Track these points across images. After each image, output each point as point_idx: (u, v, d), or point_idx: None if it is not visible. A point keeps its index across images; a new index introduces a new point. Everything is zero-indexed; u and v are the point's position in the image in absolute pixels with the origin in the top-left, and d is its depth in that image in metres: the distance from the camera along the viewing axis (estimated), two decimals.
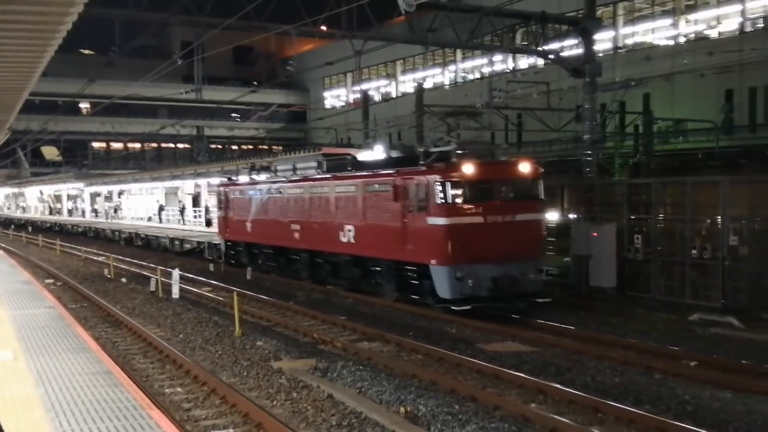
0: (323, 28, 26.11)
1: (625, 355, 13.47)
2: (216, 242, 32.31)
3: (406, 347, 14.83)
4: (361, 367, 12.90)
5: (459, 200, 17.35)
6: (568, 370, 12.83)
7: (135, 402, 9.31)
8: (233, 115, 76.65)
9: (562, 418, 9.99)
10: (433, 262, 17.47)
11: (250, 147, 74.60)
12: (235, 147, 73.24)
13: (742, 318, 16.54)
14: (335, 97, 71.74)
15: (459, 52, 53.89)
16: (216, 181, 46.67)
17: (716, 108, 34.91)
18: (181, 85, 71.15)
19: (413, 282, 18.80)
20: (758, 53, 34.03)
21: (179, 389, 12.03)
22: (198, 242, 35.27)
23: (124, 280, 27.12)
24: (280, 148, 63.29)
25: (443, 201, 17.27)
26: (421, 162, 18.86)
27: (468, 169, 17.33)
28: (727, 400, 10.99)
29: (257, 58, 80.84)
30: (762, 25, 36.54)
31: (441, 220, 17.32)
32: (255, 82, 68.49)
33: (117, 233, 48.73)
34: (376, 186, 20.00)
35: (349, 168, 22.59)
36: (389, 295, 20.14)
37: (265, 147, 69.53)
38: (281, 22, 26.12)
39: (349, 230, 21.11)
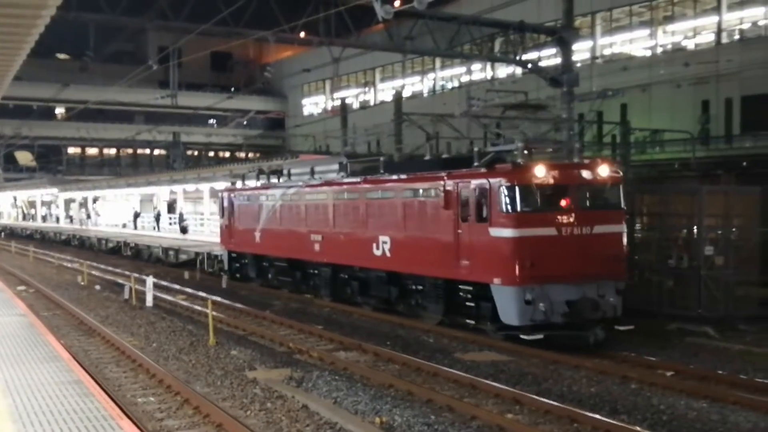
0: (301, 34, 25.99)
1: (601, 364, 13.53)
2: (217, 253, 29.63)
3: (383, 357, 14.78)
4: (337, 377, 12.85)
5: (529, 208, 14.89)
6: (544, 380, 12.86)
7: (105, 412, 9.20)
8: (210, 121, 76.30)
9: (538, 429, 10.01)
10: (496, 281, 14.95)
11: (227, 154, 74.36)
12: (212, 153, 72.94)
13: (718, 327, 16.69)
14: (314, 105, 71.69)
15: (438, 61, 54.13)
16: (192, 188, 46.57)
17: (693, 118, 35.36)
18: (157, 91, 70.58)
19: (467, 304, 16.30)
20: (734, 64, 34.60)
21: (152, 399, 11.90)
22: (196, 253, 32.19)
23: (98, 287, 26.82)
24: (258, 155, 63.11)
25: (510, 209, 14.80)
26: (477, 163, 16.44)
27: (540, 171, 14.88)
28: (702, 409, 11.06)
29: (235, 64, 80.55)
30: (738, 37, 37.16)
31: (507, 232, 14.79)
32: (233, 89, 68.28)
33: (103, 242, 45.95)
34: (421, 191, 17.47)
35: (382, 171, 19.95)
36: (430, 319, 17.81)
37: (243, 154, 69.30)
38: (259, 28, 26.03)
39: (384, 242, 18.61)
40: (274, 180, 25.96)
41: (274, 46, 48.33)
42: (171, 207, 52.87)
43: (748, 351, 14.58)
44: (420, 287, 17.97)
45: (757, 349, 14.90)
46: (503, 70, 46.83)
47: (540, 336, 14.38)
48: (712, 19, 38.11)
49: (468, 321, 16.47)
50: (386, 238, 18.62)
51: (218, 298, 22.33)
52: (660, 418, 10.62)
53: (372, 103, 61.95)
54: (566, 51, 25.47)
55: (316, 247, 21.83)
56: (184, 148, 70.42)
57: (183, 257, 33.73)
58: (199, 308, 20.96)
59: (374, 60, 55.70)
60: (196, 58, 49.79)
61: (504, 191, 14.91)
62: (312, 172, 23.27)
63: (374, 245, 18.99)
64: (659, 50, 40.31)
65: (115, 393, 11.85)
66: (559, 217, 14.99)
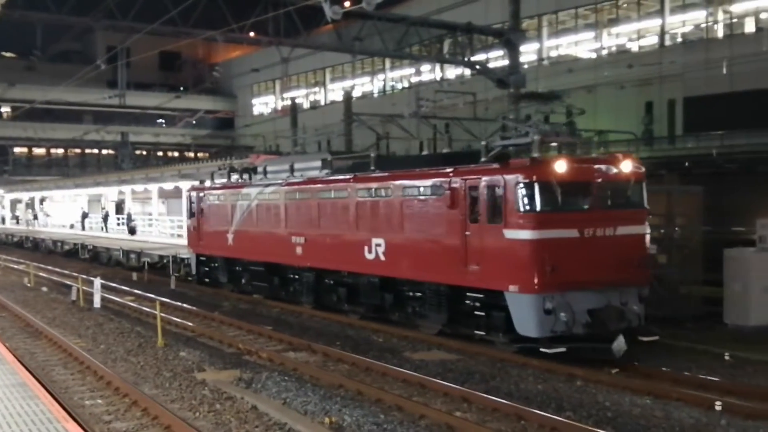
0: (250, 34, 25.78)
1: (548, 362, 13.64)
2: (184, 256, 27.74)
3: (332, 357, 14.73)
4: (286, 378, 12.76)
5: (549, 208, 13.40)
6: (492, 378, 12.95)
7: (51, 415, 9.09)
8: (159, 121, 75.15)
9: (486, 426, 10.07)
10: (511, 288, 13.50)
11: (176, 154, 73.36)
12: (160, 153, 71.89)
13: (662, 326, 17.02)
14: (263, 104, 71.17)
15: (387, 62, 54.25)
16: (141, 188, 45.79)
17: (637, 119, 36.11)
18: (105, 90, 69.37)
19: (476, 314, 14.82)
20: (676, 66, 35.45)
21: (100, 401, 11.72)
22: (160, 256, 30.33)
23: (44, 289, 26.27)
24: (207, 155, 62.41)
25: (529, 208, 13.35)
26: (484, 158, 15.10)
27: (560, 167, 13.40)
28: (646, 406, 11.20)
29: (184, 63, 79.50)
30: (680, 40, 38.09)
31: (525, 234, 13.34)
32: (181, 88, 67.38)
33: (59, 244, 43.57)
34: (422, 189, 15.87)
35: (373, 168, 18.15)
36: (429, 328, 16.35)
37: (192, 154, 68.47)
38: (208, 28, 25.74)
39: (378, 245, 16.99)
40: (249, 178, 24.25)
41: (223, 45, 47.91)
42: (119, 207, 51.97)
43: (692, 348, 14.87)
44: (419, 294, 16.38)
45: (700, 346, 14.94)
46: (452, 71, 47.15)
47: (562, 349, 12.97)
48: (655, 22, 38.99)
49: (477, 332, 14.87)
50: (380, 241, 16.99)
51: (167, 300, 21.97)
52: (605, 414, 10.75)
53: (322, 103, 61.81)
54: (513, 53, 25.83)
55: (298, 250, 20.13)
56: (132, 148, 69.37)
57: (146, 260, 31.48)
58: (147, 309, 20.62)
59: (324, 60, 55.54)
60: (145, 57, 49.07)
61: (521, 189, 13.41)
62: (291, 170, 21.43)
63: (366, 248, 17.37)
64: (604, 52, 41.08)
65: (62, 395, 11.61)
66: (581, 217, 13.66)
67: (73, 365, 14.29)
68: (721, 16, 36.21)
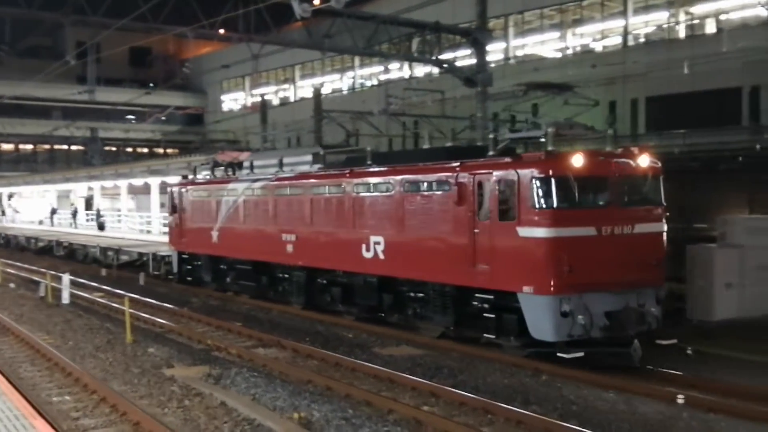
0: (221, 31, 25.50)
1: (514, 358, 13.65)
2: (164, 254, 26.62)
3: (302, 353, 14.63)
4: (255, 374, 12.66)
5: (566, 204, 12.57)
6: (460, 373, 12.95)
7: (18, 411, 8.95)
8: (129, 117, 74.15)
9: (453, 420, 10.05)
10: (525, 289, 12.62)
11: (146, 150, 72.50)
12: (130, 149, 70.99)
13: None
14: (233, 101, 70.61)
15: (357, 59, 54.06)
16: (110, 184, 45.16)
17: (600, 118, 36.40)
18: (75, 86, 68.25)
19: (486, 316, 13.83)
20: (639, 66, 35.83)
21: (68, 398, 11.54)
22: (139, 254, 29.07)
23: (12, 285, 25.78)
24: (176, 151, 61.77)
25: (545, 205, 12.49)
26: (492, 152, 14.35)
27: (578, 161, 12.58)
28: (611, 400, 11.27)
29: (154, 59, 78.50)
30: (643, 40, 38.54)
31: (541, 232, 12.47)
32: (151, 84, 66.54)
33: (32, 241, 41.94)
34: (426, 185, 14.91)
35: (369, 162, 17.06)
36: (431, 331, 15.48)
37: (161, 150, 67.74)
38: (178, 24, 25.46)
39: (377, 243, 15.99)
40: (233, 173, 23.14)
41: (194, 42, 47.27)
42: (88, 203, 51.24)
43: (657, 344, 14.94)
44: (420, 295, 15.42)
45: (663, 341, 14.37)
46: (421, 69, 47.14)
47: (580, 354, 12.22)
48: (618, 23, 39.37)
49: (485, 336, 13.86)
50: (379, 239, 15.94)
51: (136, 296, 21.65)
52: (570, 408, 10.80)
53: (292, 99, 61.44)
54: (480, 51, 25.88)
55: (289, 248, 18.99)
56: (102, 144, 68.35)
57: (124, 258, 30.12)
58: (116, 306, 20.27)
59: (294, 57, 55.23)
60: (115, 53, 48.31)
61: (537, 184, 12.54)
62: (281, 164, 20.44)
63: (364, 247, 16.32)
64: (569, 52, 41.40)
65: (29, 392, 11.40)
66: (598, 214, 12.81)
67: (40, 362, 14.04)
68: (682, 17, 36.70)
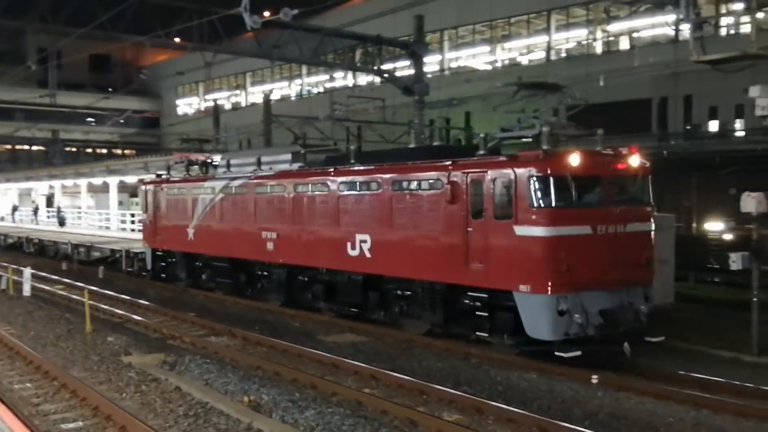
0: (176, 40, 25.02)
1: (447, 343, 13.80)
2: (138, 251, 25.04)
3: (252, 341, 14.48)
4: (208, 361, 12.48)
5: (563, 203, 11.87)
6: (398, 357, 13.03)
7: None
8: (89, 119, 72.13)
9: (391, 401, 10.11)
10: (522, 288, 11.86)
11: (105, 151, 70.72)
12: (90, 150, 69.10)
13: None
14: (188, 105, 69.47)
15: (304, 68, 53.69)
16: (70, 182, 43.81)
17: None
18: (36, 90, 66.04)
19: (478, 314, 12.95)
20: (560, 79, 36.42)
21: (29, 385, 11.24)
22: (112, 250, 27.30)
23: None
24: (134, 152, 60.43)
25: (543, 204, 11.74)
26: (482, 151, 13.42)
27: (575, 160, 11.89)
28: (532, 380, 11.49)
29: (113, 66, 76.48)
30: (564, 55, 39.35)
31: (539, 231, 11.74)
32: (111, 89, 64.92)
33: (1, 237, 39.29)
34: (415, 183, 13.99)
35: (353, 161, 16.16)
36: (416, 328, 14.60)
37: (119, 151, 66.18)
38: (137, 33, 24.90)
39: (363, 242, 15.01)
40: (206, 171, 22.17)
41: (151, 49, 46.25)
42: (49, 201, 49.69)
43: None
44: (408, 293, 14.53)
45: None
46: (363, 79, 47.12)
47: (577, 353, 11.45)
48: (542, 39, 40.10)
49: (478, 334, 13.06)
50: (365, 237, 14.97)
51: (95, 288, 21.08)
52: (497, 388, 10.97)
53: (243, 104, 60.72)
54: (418, 63, 25.99)
55: (269, 246, 17.83)
56: (62, 145, 66.44)
57: (96, 254, 28.30)
58: (76, 297, 19.70)
59: (245, 65, 54.50)
60: (75, 59, 46.91)
61: (535, 183, 11.79)
62: (259, 163, 19.15)
63: (349, 245, 15.34)
64: (498, 65, 41.99)
65: None
66: (594, 213, 12.16)
67: (2, 351, 13.59)
68: (599, 34, 37.63)
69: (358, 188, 15.42)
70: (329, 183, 16.13)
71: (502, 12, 40.69)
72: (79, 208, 45.07)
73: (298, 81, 55.81)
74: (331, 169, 16.22)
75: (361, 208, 15.27)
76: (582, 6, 36.90)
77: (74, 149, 70.90)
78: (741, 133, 30.68)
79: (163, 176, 23.83)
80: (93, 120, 72.29)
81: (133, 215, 37.39)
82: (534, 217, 11.84)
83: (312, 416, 9.28)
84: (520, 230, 11.99)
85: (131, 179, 38.21)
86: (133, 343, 13.98)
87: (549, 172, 11.83)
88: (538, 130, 12.69)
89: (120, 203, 41.91)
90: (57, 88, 62.12)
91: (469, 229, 12.81)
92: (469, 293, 13.05)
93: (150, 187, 23.74)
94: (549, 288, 11.62)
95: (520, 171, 12.06)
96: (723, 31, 30.14)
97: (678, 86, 32.12)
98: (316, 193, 16.53)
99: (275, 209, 17.80)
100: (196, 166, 23.03)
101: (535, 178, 11.85)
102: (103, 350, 13.37)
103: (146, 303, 19.08)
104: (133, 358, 12.71)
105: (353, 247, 15.29)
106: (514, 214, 12.08)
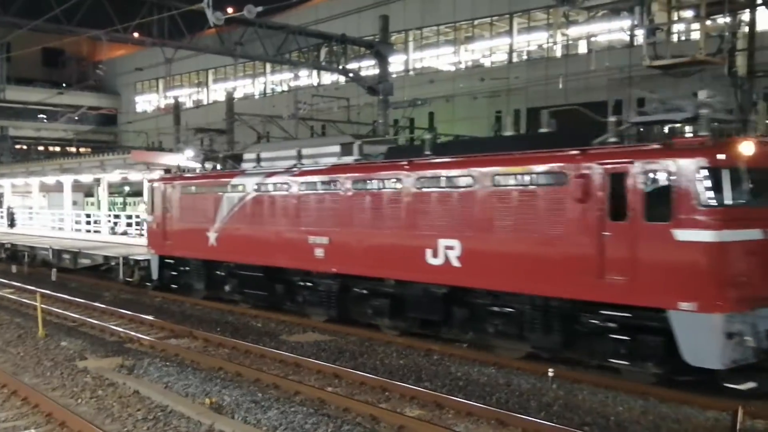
0: (135, 34, 24.64)
1: (409, 340, 14.03)
2: (138, 258, 22.17)
3: (213, 342, 14.43)
4: (168, 363, 12.39)
5: (738, 202, 10.00)
6: (360, 355, 13.17)
7: None
8: (40, 116, 70.50)
9: (354, 399, 10.25)
10: (683, 306, 9.84)
11: (58, 149, 69.19)
12: (41, 148, 67.52)
13: None
14: (147, 102, 68.39)
15: (268, 66, 53.49)
16: (21, 182, 42.79)
17: (488, 126, 37.59)
18: None
19: (612, 337, 10.89)
20: (521, 81, 37.23)
21: None
22: (105, 257, 23.87)
23: None
24: (89, 150, 59.30)
25: (715, 203, 9.79)
26: (614, 138, 11.41)
27: (749, 148, 10.03)
28: (492, 375, 11.79)
29: (67, 60, 74.91)
30: (525, 57, 40.04)
31: (708, 235, 9.75)
32: (64, 84, 63.52)
33: None
34: (527, 178, 11.79)
35: (428, 152, 13.92)
36: (512, 352, 12.56)
37: (74, 149, 64.89)
38: (92, 27, 24.39)
39: (449, 248, 12.85)
40: (246, 166, 18.74)
41: (108, 44, 45.44)
42: None
43: None
44: (509, 310, 12.37)
45: None
46: (328, 78, 47.16)
47: (753, 384, 9.73)
48: (505, 41, 40.73)
49: (613, 361, 10.94)
50: (452, 243, 12.79)
51: (48, 291, 20.66)
52: (457, 383, 11.24)
53: (205, 102, 60.13)
54: (383, 63, 26.23)
55: (318, 252, 15.50)
56: (12, 143, 64.70)
57: (85, 262, 24.80)
58: (27, 301, 19.26)
59: (207, 62, 54.04)
60: (27, 53, 45.80)
61: (705, 176, 9.78)
62: (299, 156, 16.92)
63: (428, 252, 13.16)
64: (461, 66, 42.49)
65: None
66: (763, 213, 10.27)
67: None
68: (559, 38, 38.37)
69: (443, 184, 13.08)
70: (403, 178, 13.70)
71: (466, 14, 41.23)
72: (30, 208, 44.09)
73: (261, 79, 55.54)
74: (405, 162, 13.81)
75: (446, 209, 12.97)
76: (543, 10, 37.63)
77: (24, 147, 69.25)
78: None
79: (174, 172, 21.43)
80: (45, 116, 70.72)
81: (88, 215, 36.84)
82: (702, 218, 9.78)
83: (275, 416, 9.35)
84: (682, 234, 9.94)
85: (86, 178, 37.55)
86: (89, 347, 13.74)
87: (722, 162, 9.85)
88: (692, 113, 10.59)
89: (74, 203, 41.14)
90: (6, 82, 60.79)
91: (606, 233, 10.72)
92: (601, 311, 10.95)
93: (158, 184, 20.93)
94: (720, 306, 9.66)
95: (683, 162, 9.94)
96: (674, 38, 31.07)
97: (632, 90, 32.98)
98: (384, 190, 14.09)
99: (327, 210, 15.33)
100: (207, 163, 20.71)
101: (705, 171, 9.78)
102: (57, 355, 13.09)
103: (102, 306, 18.78)
104: (89, 362, 12.48)
105: (435, 255, 13.07)
106: (673, 215, 10.02)
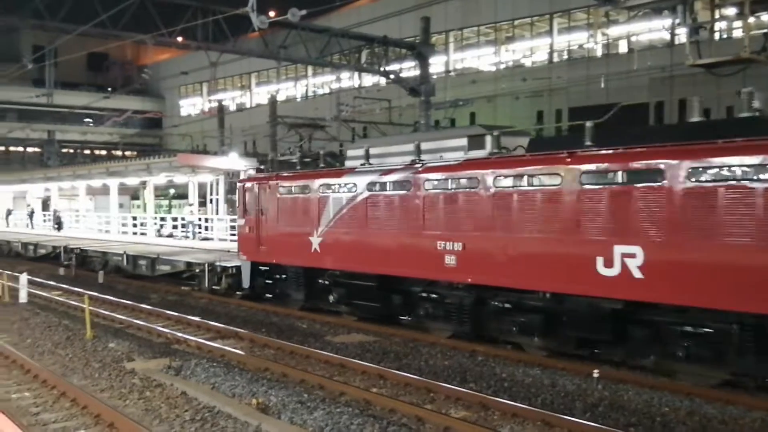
0: (179, 39, 25.06)
1: (454, 341, 13.96)
2: (227, 265, 20.75)
3: (258, 343, 14.55)
4: (214, 364, 12.49)
5: None
6: (405, 356, 13.14)
7: None
8: (86, 120, 72.24)
9: (399, 400, 10.24)
10: None
11: (104, 152, 70.83)
12: (88, 151, 69.19)
13: None
14: (191, 105, 69.57)
15: (310, 69, 54.00)
16: (67, 185, 43.79)
17: (530, 126, 37.31)
18: (31, 89, 66.07)
19: None
20: (562, 80, 36.86)
21: (27, 394, 11.06)
22: (188, 263, 22.44)
23: None
24: (135, 153, 60.55)
25: None
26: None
27: None
28: (536, 376, 11.69)
29: (112, 64, 76.68)
30: (566, 57, 39.63)
31: None
32: (109, 88, 64.97)
33: (31, 247, 32.82)
34: (749, 171, 9.78)
35: (589, 142, 12.00)
36: (699, 377, 10.70)
37: (120, 152, 66.33)
38: (138, 31, 24.87)
39: (628, 256, 10.95)
40: (351, 163, 16.95)
41: (152, 48, 46.40)
42: (45, 204, 49.56)
43: None
44: (706, 330, 10.56)
45: None
46: (369, 79, 47.36)
47: None
48: (545, 41, 40.39)
49: None
50: (633, 250, 10.91)
51: (95, 293, 21.04)
52: (502, 384, 11.17)
53: (248, 105, 60.91)
54: (424, 64, 26.23)
55: (449, 260, 13.66)
56: (59, 146, 66.37)
57: (164, 269, 23.34)
58: (75, 303, 19.62)
59: (250, 65, 54.86)
60: (73, 57, 47.00)
61: None
62: (418, 151, 15.03)
63: (599, 261, 11.25)
64: (502, 66, 42.23)
65: None
66: None
67: None
68: (600, 37, 37.90)
69: (620, 180, 11.17)
70: (562, 174, 11.81)
71: (506, 14, 41.04)
72: (77, 211, 45.10)
73: (303, 81, 56.08)
74: (564, 154, 11.94)
75: (625, 210, 11.07)
76: (583, 9, 37.21)
77: (71, 150, 71.08)
78: None
79: (266, 171, 19.96)
80: (90, 120, 72.39)
81: (134, 218, 37.57)
82: None
83: (321, 416, 9.39)
84: None
85: (132, 181, 38.29)
86: (136, 349, 13.90)
87: None
88: None
89: (120, 206, 42.04)
90: (54, 87, 62.46)
91: None
92: None
93: (252, 185, 19.40)
94: None
95: None
96: (716, 36, 30.45)
97: (673, 89, 32.40)
98: (539, 188, 12.19)
99: (461, 212, 13.51)
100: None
101: None
102: (105, 357, 13.25)
103: (149, 307, 19.08)
104: (136, 364, 12.61)
105: (608, 264, 11.21)
106: None
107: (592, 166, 11.52)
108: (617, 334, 11.51)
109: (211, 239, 30.66)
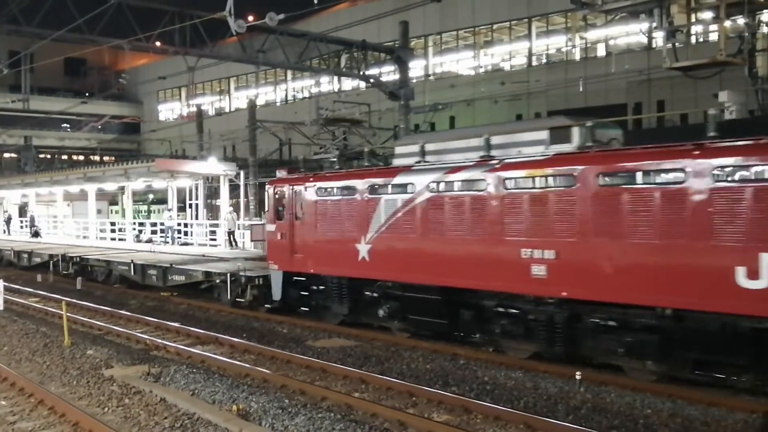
0: (157, 44, 24.87)
1: (435, 345, 13.95)
2: (251, 275, 18.73)
3: (239, 348, 14.44)
4: (194, 371, 12.35)
5: None
6: (386, 360, 13.12)
7: None
8: (64, 125, 71.49)
9: (381, 404, 10.22)
10: None
11: (81, 157, 70.12)
12: (65, 157, 68.43)
13: None
14: (169, 110, 69.14)
15: (289, 73, 53.91)
16: (45, 191, 43.24)
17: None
18: (7, 95, 65.29)
19: None
20: (541, 84, 37.13)
21: (3, 402, 10.92)
22: (205, 273, 20.46)
23: None
24: (113, 158, 59.98)
25: None
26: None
27: None
28: (519, 379, 11.72)
29: (89, 70, 76.01)
30: (545, 61, 39.94)
31: None
32: (87, 94, 64.37)
33: (25, 256, 30.76)
34: None
35: (712, 133, 10.59)
36: None
37: (97, 157, 65.68)
38: (115, 37, 24.64)
39: None
40: (400, 162, 15.10)
41: (129, 53, 46.01)
42: (22, 210, 48.88)
43: None
44: None
45: None
46: (348, 83, 47.33)
47: None
48: (524, 45, 40.67)
49: None
50: None
51: (73, 300, 20.80)
52: (484, 387, 11.18)
53: (227, 110, 60.67)
54: (403, 68, 26.27)
55: (537, 271, 11.81)
56: (36, 152, 65.60)
57: (179, 279, 21.37)
58: (52, 310, 19.39)
59: (229, 70, 54.52)
60: (49, 63, 46.45)
61: None
62: (488, 147, 13.17)
63: (740, 271, 9.52)
64: (481, 70, 42.45)
65: None
66: None
67: None
68: (578, 41, 38.25)
69: (767, 176, 9.46)
70: (688, 170, 10.08)
71: (485, 18, 41.26)
72: (55, 217, 44.57)
73: (283, 86, 55.98)
74: (690, 146, 10.23)
75: None
76: (561, 14, 37.54)
77: (48, 156, 70.29)
78: None
79: (300, 171, 18.49)
80: (68, 126, 71.69)
81: (113, 224, 37.19)
82: None
83: (302, 422, 9.31)
84: None
85: (110, 186, 37.90)
86: (115, 356, 13.73)
87: None
88: None
89: (99, 211, 41.59)
90: (30, 92, 61.68)
91: None
92: None
93: (284, 186, 17.48)
94: None
95: None
96: (693, 39, 30.90)
97: (651, 92, 32.80)
98: (656, 186, 10.45)
99: (552, 214, 11.68)
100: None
101: None
102: (83, 364, 13.08)
103: (128, 313, 18.85)
104: (115, 370, 12.47)
105: (752, 275, 9.45)
106: None
107: (729, 160, 9.74)
108: (756, 357, 9.86)
109: (191, 244, 30.44)
